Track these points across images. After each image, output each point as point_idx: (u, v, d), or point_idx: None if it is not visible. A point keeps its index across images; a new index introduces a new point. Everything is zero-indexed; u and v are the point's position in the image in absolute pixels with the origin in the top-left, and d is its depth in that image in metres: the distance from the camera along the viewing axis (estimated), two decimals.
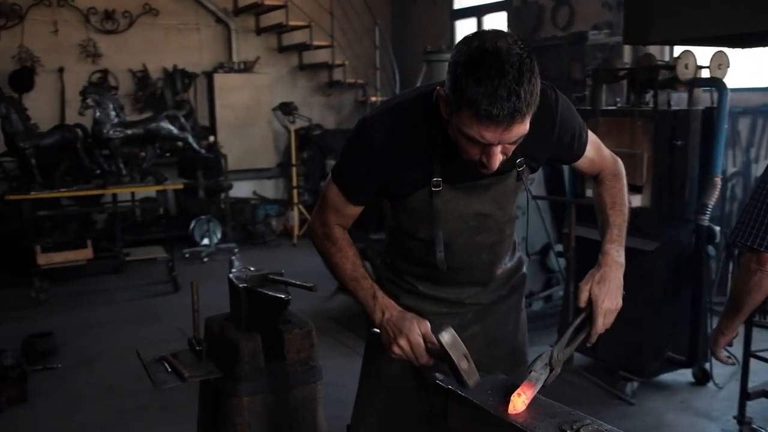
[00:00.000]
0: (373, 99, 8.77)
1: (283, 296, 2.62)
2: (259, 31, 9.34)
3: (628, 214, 1.92)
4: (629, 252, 1.89)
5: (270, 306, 2.70)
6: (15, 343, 4.70)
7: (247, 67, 9.10)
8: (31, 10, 8.11)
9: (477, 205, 1.81)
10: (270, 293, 2.66)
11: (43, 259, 6.05)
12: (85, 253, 6.30)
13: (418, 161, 1.73)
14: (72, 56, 8.35)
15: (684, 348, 4.02)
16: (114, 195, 6.73)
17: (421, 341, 1.67)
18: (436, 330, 1.62)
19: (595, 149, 1.94)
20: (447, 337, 1.60)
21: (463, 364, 1.59)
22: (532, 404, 1.57)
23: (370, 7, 8.89)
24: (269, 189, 9.57)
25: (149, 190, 6.91)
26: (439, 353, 1.64)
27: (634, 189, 3.89)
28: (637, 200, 3.89)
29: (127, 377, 4.09)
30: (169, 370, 2.78)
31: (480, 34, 1.53)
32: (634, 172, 3.88)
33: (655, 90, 3.87)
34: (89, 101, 5.94)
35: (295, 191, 8.59)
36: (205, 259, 7.50)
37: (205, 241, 7.92)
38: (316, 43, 9.01)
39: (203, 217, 7.98)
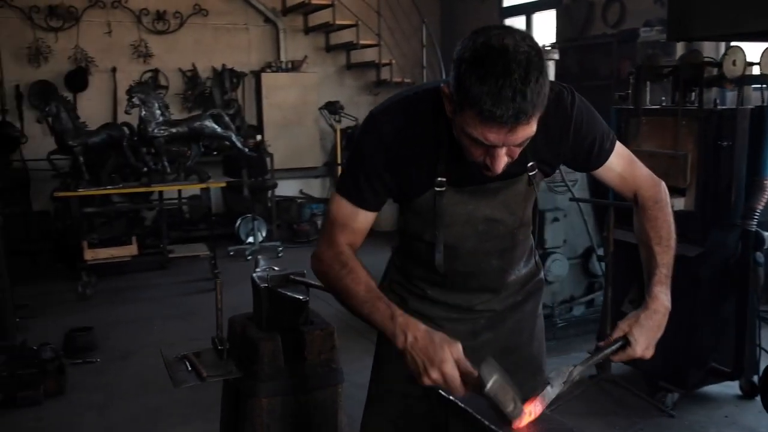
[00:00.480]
0: None
1: (301, 297, 2.60)
2: (307, 30, 9.38)
3: (675, 247, 1.77)
4: None
5: (290, 306, 2.68)
6: (59, 337, 4.83)
7: (294, 67, 9.15)
8: (86, 12, 8.32)
9: (486, 210, 1.74)
10: (289, 294, 2.64)
11: (89, 255, 6.20)
12: (130, 250, 6.43)
13: (424, 159, 1.66)
14: (124, 56, 8.54)
15: (730, 359, 3.83)
16: (160, 193, 6.85)
17: (457, 373, 1.44)
18: (480, 369, 1.39)
19: (626, 164, 1.81)
20: (492, 381, 1.37)
21: (509, 408, 1.41)
22: (540, 423, 1.50)
23: (418, 6, 8.82)
24: (315, 188, 9.60)
25: (192, 188, 7.00)
26: (477, 385, 1.41)
27: (677, 192, 3.72)
28: (680, 203, 3.73)
29: (162, 373, 4.07)
30: (190, 369, 2.79)
31: (487, 29, 1.45)
32: (677, 174, 3.72)
33: (700, 88, 3.70)
34: (135, 100, 6.05)
35: None
36: (249, 257, 7.55)
37: (250, 239, 7.99)
38: (363, 42, 9.01)
39: (249, 215, 8.05)
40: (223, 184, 7.06)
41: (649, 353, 1.64)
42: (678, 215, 1.90)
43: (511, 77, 1.36)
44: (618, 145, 1.80)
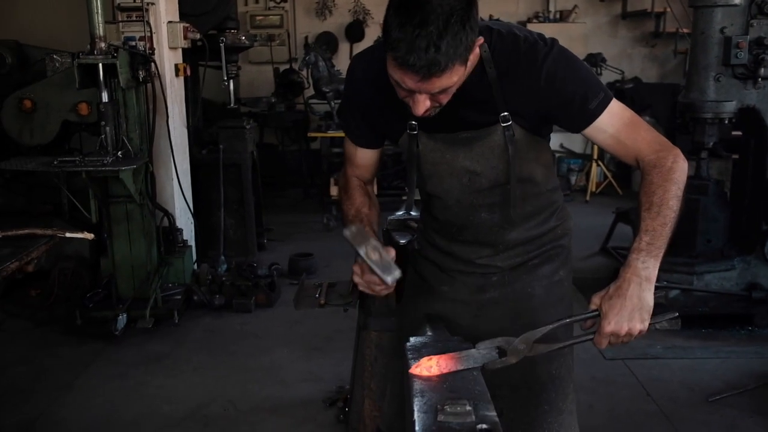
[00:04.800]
0: None
1: (403, 241, 2.72)
2: None
3: (674, 218, 1.52)
4: None
5: (397, 250, 2.82)
6: None
7: (562, 17, 8.87)
8: None
9: (465, 162, 1.73)
10: (396, 237, 2.78)
11: (333, 191, 6.88)
12: None
13: (397, 102, 1.68)
14: None
15: None
16: None
17: (360, 280, 1.72)
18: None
19: (622, 125, 1.62)
20: (348, 231, 1.63)
21: (374, 256, 1.58)
22: (451, 376, 1.47)
23: None
24: (577, 143, 9.27)
25: None
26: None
27: None
28: None
29: None
30: (317, 295, 3.10)
31: None
32: None
33: None
34: None
35: (595, 147, 8.25)
36: None
37: None
38: None
39: None
40: None
41: (625, 328, 1.45)
42: None
43: (427, 28, 1.37)
44: (615, 104, 1.63)
